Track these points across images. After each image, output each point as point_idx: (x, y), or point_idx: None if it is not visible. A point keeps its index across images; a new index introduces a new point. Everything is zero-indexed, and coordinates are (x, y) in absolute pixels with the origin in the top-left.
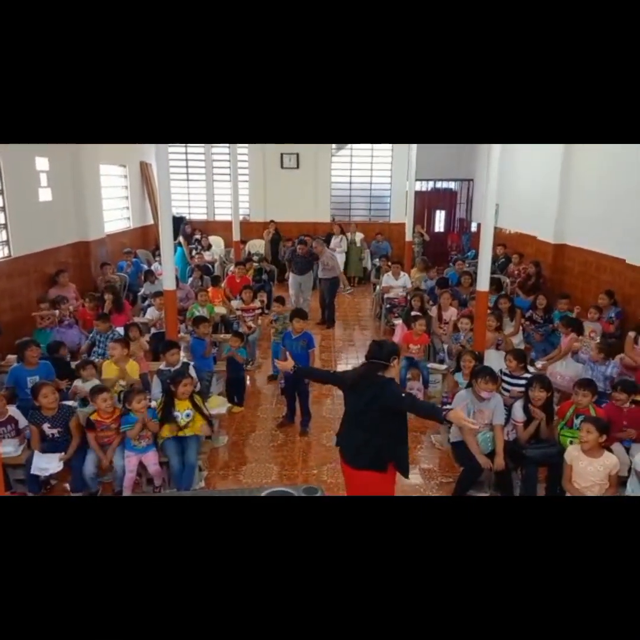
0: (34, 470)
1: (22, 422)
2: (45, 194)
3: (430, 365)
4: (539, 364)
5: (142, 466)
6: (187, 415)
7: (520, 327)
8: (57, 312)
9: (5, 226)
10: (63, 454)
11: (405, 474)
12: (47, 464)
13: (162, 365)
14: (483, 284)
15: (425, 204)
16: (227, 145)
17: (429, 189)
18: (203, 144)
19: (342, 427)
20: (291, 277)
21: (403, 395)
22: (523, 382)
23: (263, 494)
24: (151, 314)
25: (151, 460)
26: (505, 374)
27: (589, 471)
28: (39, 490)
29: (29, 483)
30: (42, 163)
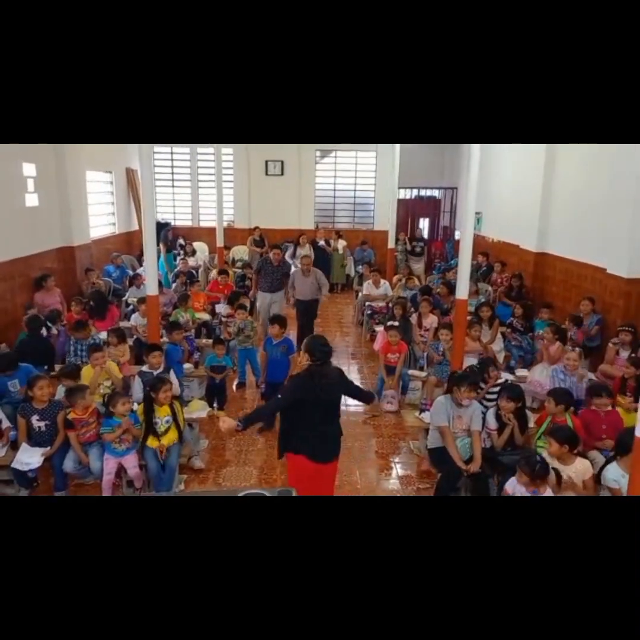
0: (15, 464)
1: (5, 422)
2: (31, 200)
3: (410, 372)
4: (519, 372)
5: (122, 468)
6: (167, 422)
7: (500, 335)
8: (55, 330)
9: None
10: (48, 448)
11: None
12: (29, 459)
13: (144, 367)
14: (462, 292)
15: (409, 211)
16: (212, 151)
17: (413, 196)
18: (188, 151)
19: (303, 433)
20: (260, 297)
21: (355, 384)
22: (494, 390)
23: (238, 496)
24: (135, 319)
25: (131, 463)
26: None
27: (563, 478)
28: (28, 485)
29: (16, 478)
30: (29, 169)
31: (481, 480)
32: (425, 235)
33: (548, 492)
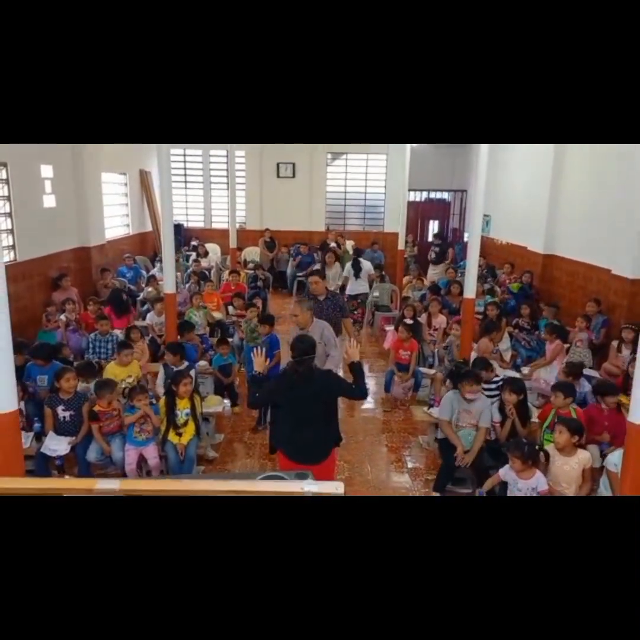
0: (44, 449)
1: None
2: (49, 201)
3: (420, 369)
4: (525, 370)
5: (143, 459)
6: (186, 414)
7: (507, 334)
8: (63, 317)
9: (11, 231)
10: (74, 438)
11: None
12: (56, 445)
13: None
14: (470, 291)
15: (419, 214)
16: (225, 154)
17: (423, 199)
18: (201, 153)
19: (284, 430)
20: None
21: (348, 382)
22: (494, 386)
23: (258, 479)
24: (151, 318)
25: (151, 453)
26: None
27: (565, 470)
28: (48, 474)
29: (37, 470)
30: (46, 170)
31: (482, 472)
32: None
33: (537, 475)
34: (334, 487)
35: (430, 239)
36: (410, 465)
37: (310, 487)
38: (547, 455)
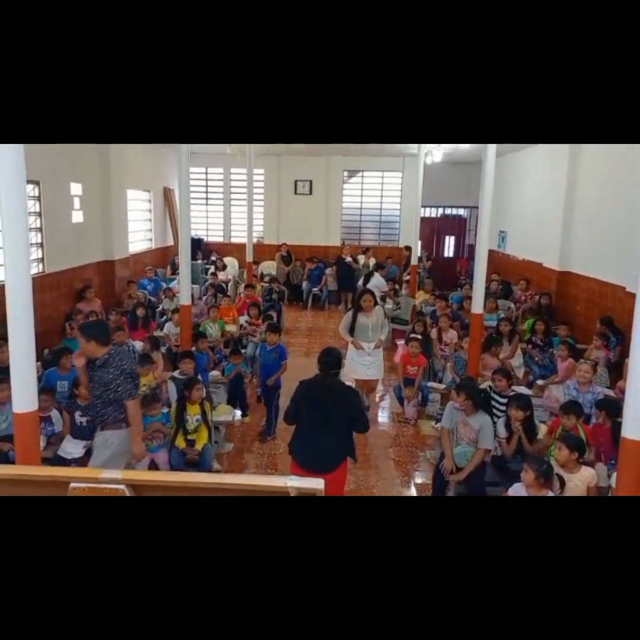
0: (60, 452)
1: (58, 425)
2: (77, 216)
3: (429, 384)
4: (541, 382)
5: (154, 464)
6: (197, 420)
7: (520, 351)
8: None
9: (41, 245)
10: (89, 442)
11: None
12: (73, 448)
13: (176, 373)
14: (477, 306)
15: (435, 229)
16: (245, 171)
17: (439, 215)
18: (222, 170)
19: (299, 437)
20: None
21: (365, 417)
22: (505, 401)
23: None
24: (168, 328)
25: (162, 459)
26: (495, 393)
27: (569, 487)
28: None
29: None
30: (76, 188)
31: (476, 488)
32: (451, 253)
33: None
34: (315, 484)
35: (446, 255)
36: (417, 479)
37: (292, 482)
38: (562, 482)
